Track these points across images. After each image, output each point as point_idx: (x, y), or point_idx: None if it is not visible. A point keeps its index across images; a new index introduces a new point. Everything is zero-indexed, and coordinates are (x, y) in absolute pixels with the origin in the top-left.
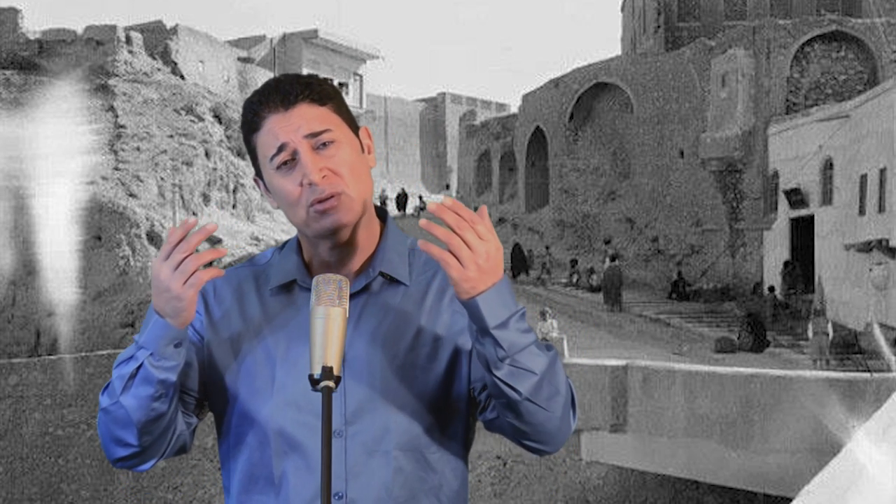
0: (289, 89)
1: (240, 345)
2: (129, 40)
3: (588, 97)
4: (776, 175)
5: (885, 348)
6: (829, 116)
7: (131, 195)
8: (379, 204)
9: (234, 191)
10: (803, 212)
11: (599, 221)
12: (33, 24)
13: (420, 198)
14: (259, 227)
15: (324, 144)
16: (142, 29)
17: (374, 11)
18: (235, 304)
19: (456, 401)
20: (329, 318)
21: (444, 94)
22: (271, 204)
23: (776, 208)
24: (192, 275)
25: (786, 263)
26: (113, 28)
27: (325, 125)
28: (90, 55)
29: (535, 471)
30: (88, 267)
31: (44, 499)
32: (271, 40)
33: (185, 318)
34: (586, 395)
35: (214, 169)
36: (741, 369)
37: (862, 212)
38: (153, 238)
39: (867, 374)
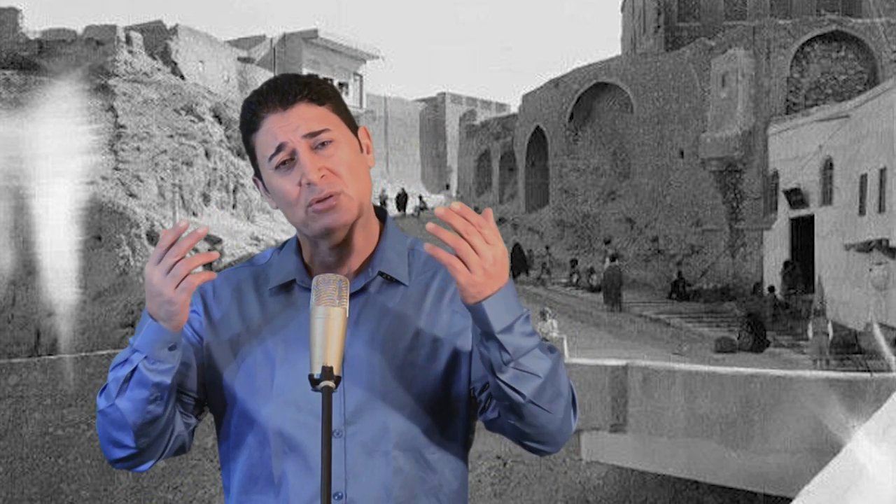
0: (287, 89)
1: (239, 345)
2: (129, 40)
3: (588, 97)
4: (776, 175)
5: (885, 348)
6: (829, 116)
7: (131, 195)
8: (379, 204)
9: (234, 191)
10: (803, 212)
11: (599, 221)
12: (33, 24)
13: (420, 198)
14: (259, 227)
15: (322, 144)
16: (142, 29)
17: (374, 11)
18: (235, 304)
19: (455, 401)
20: (329, 318)
21: (444, 94)
22: (270, 204)
23: (776, 208)
24: (183, 279)
25: (786, 263)
26: (113, 28)
27: (324, 125)
28: (90, 55)
29: (535, 471)
30: (88, 267)
31: (44, 499)
32: (271, 40)
33: (179, 321)
34: (586, 395)
35: (214, 169)
36: (741, 369)
37: (862, 212)
38: (153, 238)
39: (867, 374)
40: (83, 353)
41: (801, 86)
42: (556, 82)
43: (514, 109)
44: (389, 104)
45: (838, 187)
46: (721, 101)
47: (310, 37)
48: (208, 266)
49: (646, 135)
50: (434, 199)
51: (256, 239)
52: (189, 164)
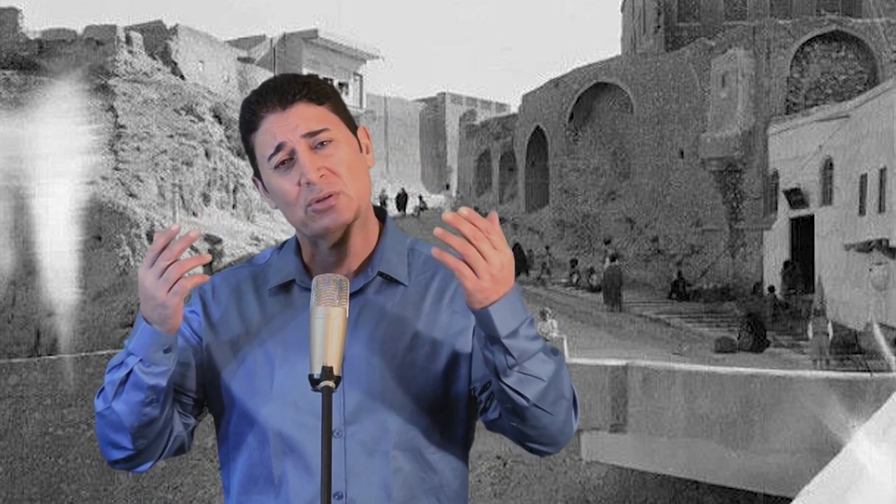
0: (286, 89)
1: (239, 346)
2: (129, 40)
3: (588, 97)
4: (776, 175)
5: (885, 348)
6: (829, 116)
7: (131, 195)
8: (379, 204)
9: (234, 191)
10: (803, 212)
11: (599, 221)
12: (33, 24)
13: (420, 198)
14: (259, 227)
15: (321, 144)
16: (142, 29)
17: (374, 11)
18: (234, 304)
19: (455, 401)
20: (329, 318)
21: (444, 94)
22: (270, 204)
23: (776, 208)
24: (176, 282)
25: (786, 263)
26: (113, 28)
27: (323, 124)
28: (90, 55)
29: (535, 471)
30: (88, 267)
31: (44, 499)
32: (271, 40)
33: (173, 324)
34: (586, 395)
35: (214, 169)
36: (741, 369)
37: (862, 212)
38: (153, 238)
39: (867, 374)
40: (83, 353)
41: (801, 86)
42: (556, 82)
43: (514, 109)
44: (389, 104)
45: (838, 187)
46: (721, 101)
47: (310, 37)
48: (207, 267)
49: (646, 135)
50: (434, 200)
51: (256, 239)
52: (189, 164)
